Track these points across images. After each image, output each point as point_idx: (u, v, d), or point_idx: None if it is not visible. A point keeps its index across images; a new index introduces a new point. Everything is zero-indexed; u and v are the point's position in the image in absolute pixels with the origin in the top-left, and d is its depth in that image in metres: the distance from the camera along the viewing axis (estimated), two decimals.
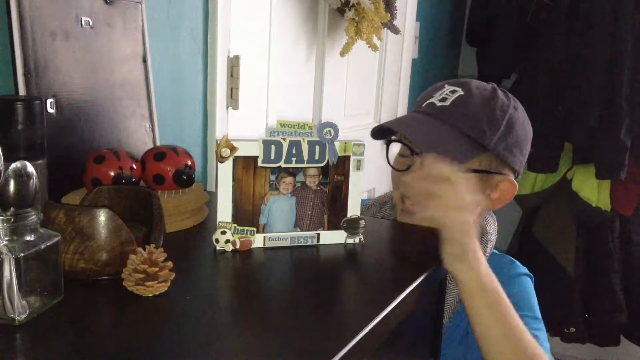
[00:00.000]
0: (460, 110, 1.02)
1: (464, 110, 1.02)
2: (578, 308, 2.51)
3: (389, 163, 1.10)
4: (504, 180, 1.04)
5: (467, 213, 0.84)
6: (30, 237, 0.61)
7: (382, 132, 1.10)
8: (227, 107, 1.44)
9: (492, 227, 1.10)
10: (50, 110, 0.93)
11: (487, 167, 1.03)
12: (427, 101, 1.06)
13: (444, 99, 1.04)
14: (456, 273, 0.85)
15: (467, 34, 2.84)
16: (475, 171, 1.01)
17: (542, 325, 1.03)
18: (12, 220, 0.60)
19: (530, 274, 1.11)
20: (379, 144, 1.14)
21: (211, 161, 1.41)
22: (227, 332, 0.64)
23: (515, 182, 1.05)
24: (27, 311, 0.60)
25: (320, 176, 0.84)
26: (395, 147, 1.09)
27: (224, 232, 0.81)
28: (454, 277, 0.86)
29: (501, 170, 1.04)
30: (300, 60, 1.75)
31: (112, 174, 0.88)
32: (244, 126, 1.49)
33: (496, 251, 1.12)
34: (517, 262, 1.12)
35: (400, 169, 1.06)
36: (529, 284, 1.09)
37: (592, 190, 2.44)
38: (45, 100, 0.92)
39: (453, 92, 1.04)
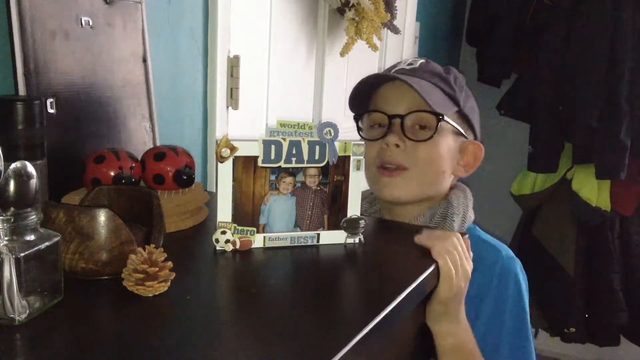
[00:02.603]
0: (431, 71, 1.07)
1: (433, 71, 1.07)
2: (578, 308, 2.52)
3: (360, 135, 1.09)
4: (470, 144, 1.08)
5: (466, 285, 0.88)
6: (30, 237, 0.61)
7: (356, 103, 1.10)
8: (227, 107, 1.44)
9: (460, 200, 1.06)
10: (50, 110, 0.93)
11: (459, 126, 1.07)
12: (395, 69, 1.09)
13: (410, 64, 1.08)
14: (435, 333, 0.90)
15: (467, 34, 2.84)
16: (453, 127, 1.05)
17: (529, 342, 1.00)
18: (12, 220, 0.60)
19: (516, 258, 1.04)
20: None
21: (211, 161, 1.41)
22: (227, 332, 0.64)
23: (481, 145, 1.09)
24: (27, 311, 0.60)
25: (320, 176, 0.84)
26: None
27: (224, 232, 0.81)
28: (433, 334, 0.90)
29: (467, 134, 1.08)
30: (300, 60, 1.75)
31: (112, 174, 0.88)
32: (244, 126, 1.49)
33: (479, 230, 1.07)
34: (503, 252, 1.03)
35: (374, 138, 1.05)
36: (513, 289, 1.01)
37: (592, 190, 2.44)
38: (45, 100, 0.92)
39: (414, 61, 1.09)
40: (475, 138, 1.10)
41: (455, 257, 0.85)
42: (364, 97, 1.09)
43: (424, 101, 1.00)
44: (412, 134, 1.02)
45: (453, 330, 0.89)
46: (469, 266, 0.88)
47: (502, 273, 1.00)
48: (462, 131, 1.06)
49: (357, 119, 1.11)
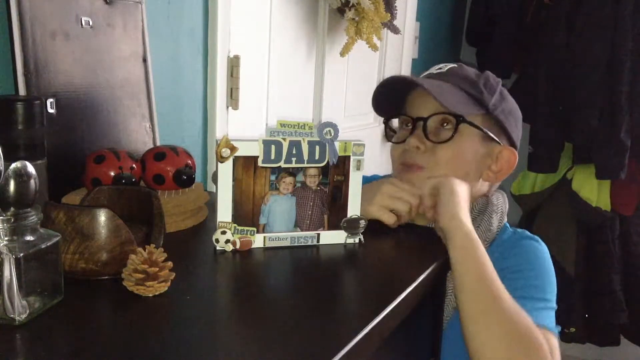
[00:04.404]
0: (458, 74, 1.06)
1: (462, 74, 1.06)
2: (578, 308, 2.52)
3: (387, 139, 1.11)
4: (503, 149, 1.06)
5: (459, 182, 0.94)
6: (30, 237, 0.61)
7: (381, 106, 1.12)
8: (227, 107, 1.44)
9: (499, 200, 1.07)
10: (50, 110, 0.93)
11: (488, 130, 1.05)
12: (425, 73, 1.10)
13: (440, 69, 1.09)
14: (449, 229, 0.89)
15: (467, 34, 2.84)
16: (478, 129, 1.03)
17: (544, 304, 0.98)
18: (12, 220, 0.60)
19: (543, 244, 1.06)
20: (379, 142, 1.14)
21: (211, 161, 1.41)
22: (227, 332, 0.64)
23: (515, 151, 1.07)
24: (27, 311, 0.60)
25: (320, 176, 0.84)
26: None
27: (224, 232, 0.81)
28: (447, 235, 0.89)
29: (500, 138, 1.06)
30: (300, 60, 1.75)
31: (112, 174, 0.88)
32: (244, 126, 1.49)
33: (508, 226, 1.08)
34: (526, 232, 1.07)
35: (398, 142, 1.06)
36: (533, 247, 1.04)
37: (592, 190, 2.44)
38: (45, 100, 0.92)
39: (445, 65, 1.10)
40: (512, 143, 1.08)
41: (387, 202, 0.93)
42: (396, 101, 1.09)
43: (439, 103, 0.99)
44: (434, 136, 1.02)
45: (464, 222, 0.90)
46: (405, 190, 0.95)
47: (516, 242, 1.04)
48: (492, 135, 1.04)
49: (386, 123, 1.12)
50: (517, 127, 1.09)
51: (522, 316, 0.84)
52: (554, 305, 1.00)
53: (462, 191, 0.94)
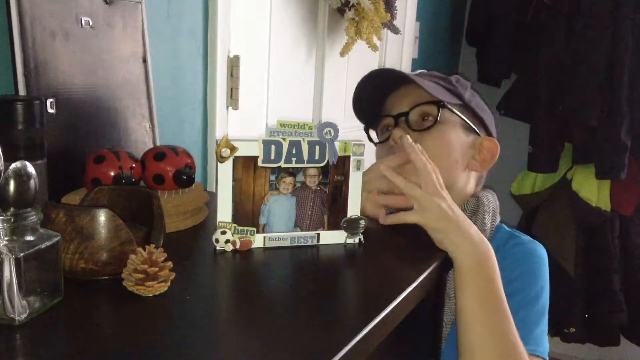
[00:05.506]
0: (429, 74, 1.11)
1: (434, 74, 1.11)
2: (578, 308, 2.52)
3: (370, 140, 1.12)
4: (484, 140, 1.08)
5: (442, 200, 0.89)
6: (30, 237, 0.61)
7: (363, 112, 1.13)
8: (227, 107, 1.44)
9: (490, 199, 1.08)
10: (50, 110, 0.93)
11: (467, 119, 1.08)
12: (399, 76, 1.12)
13: (413, 72, 1.13)
14: (450, 253, 0.87)
15: (467, 34, 2.85)
16: (458, 116, 1.06)
17: (538, 320, 0.98)
18: (12, 220, 0.60)
19: (541, 246, 1.06)
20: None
21: (211, 161, 1.41)
22: (227, 332, 0.64)
23: (496, 141, 1.09)
24: (27, 311, 0.60)
25: (320, 176, 0.84)
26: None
27: (224, 232, 0.81)
28: (451, 256, 0.88)
29: (479, 129, 1.09)
30: (300, 60, 1.75)
31: (112, 174, 0.88)
32: (244, 126, 1.49)
33: (505, 226, 1.09)
34: (522, 237, 1.07)
35: (383, 139, 1.08)
36: (531, 252, 1.04)
37: (592, 190, 2.44)
38: (45, 100, 0.92)
39: (417, 71, 1.15)
40: (489, 134, 1.11)
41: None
42: (373, 110, 1.11)
43: (423, 90, 1.01)
44: (417, 126, 1.04)
45: (462, 249, 0.87)
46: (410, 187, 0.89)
47: (513, 247, 1.04)
48: (472, 125, 1.07)
49: (367, 129, 1.15)
50: (492, 123, 1.12)
51: (521, 351, 0.85)
52: (546, 319, 1.00)
53: (447, 200, 0.90)
